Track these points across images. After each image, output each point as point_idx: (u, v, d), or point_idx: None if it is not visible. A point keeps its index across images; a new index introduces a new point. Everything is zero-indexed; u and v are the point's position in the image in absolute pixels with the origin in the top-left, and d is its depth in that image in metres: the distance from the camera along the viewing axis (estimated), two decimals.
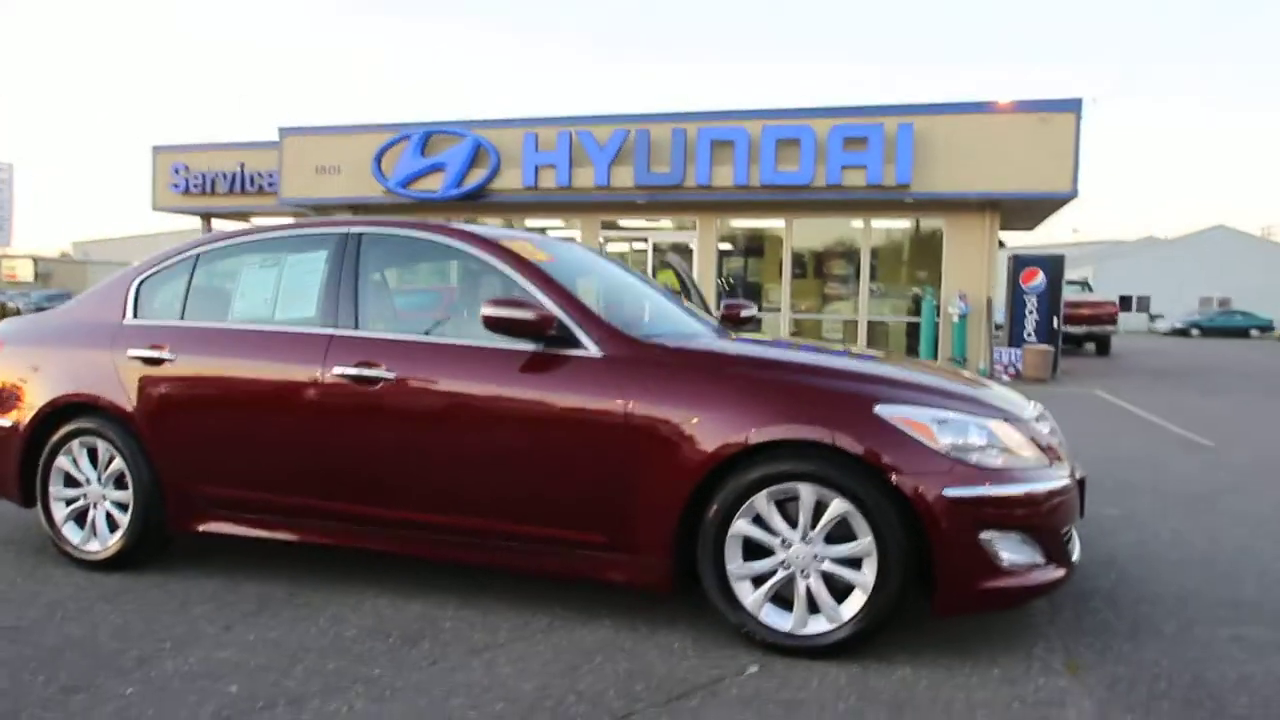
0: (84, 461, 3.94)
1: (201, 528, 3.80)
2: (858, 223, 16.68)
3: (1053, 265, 16.01)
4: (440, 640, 3.15)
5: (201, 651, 3.04)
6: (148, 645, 3.09)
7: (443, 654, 3.03)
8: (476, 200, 17.11)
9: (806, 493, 2.98)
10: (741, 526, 3.05)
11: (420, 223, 3.77)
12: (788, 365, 3.34)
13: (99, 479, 3.91)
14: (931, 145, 14.84)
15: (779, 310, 16.83)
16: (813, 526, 3.00)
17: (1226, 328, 42.16)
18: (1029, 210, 16.42)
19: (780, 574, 3.04)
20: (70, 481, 3.99)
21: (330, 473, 3.54)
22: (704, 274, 17.03)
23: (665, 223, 17.86)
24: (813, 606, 3.02)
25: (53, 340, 4.14)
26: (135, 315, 4.01)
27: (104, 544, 3.90)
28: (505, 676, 2.86)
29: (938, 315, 15.74)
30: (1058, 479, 3.10)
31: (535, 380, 3.29)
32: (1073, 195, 14.66)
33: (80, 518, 3.97)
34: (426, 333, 3.65)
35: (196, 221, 22.07)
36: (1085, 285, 26.37)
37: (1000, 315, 17.75)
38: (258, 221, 25.41)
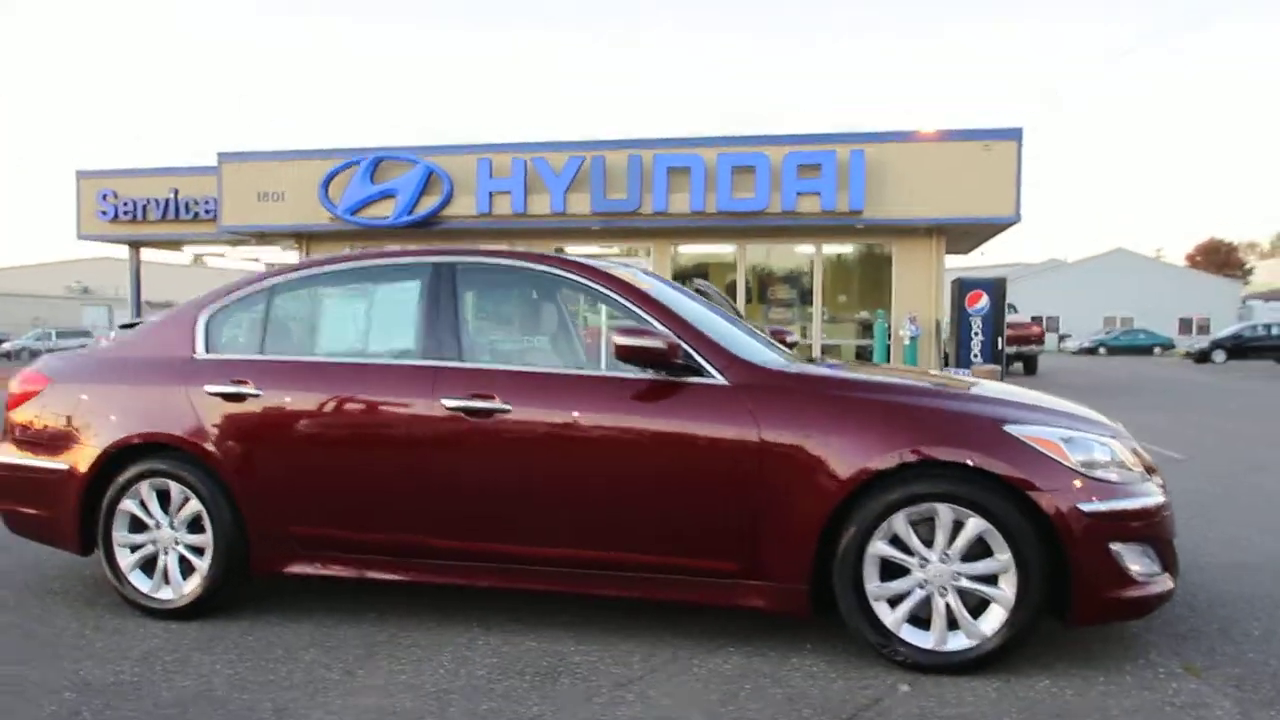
0: (154, 504, 3.76)
1: (289, 569, 3.67)
2: (809, 248, 17.09)
3: (996, 288, 16.70)
4: (578, 675, 3.11)
5: (339, 698, 2.93)
6: (276, 694, 2.96)
7: (590, 689, 2.99)
8: (429, 227, 16.93)
9: (945, 512, 3.06)
10: (879, 547, 3.11)
11: (520, 253, 3.75)
12: (912, 389, 3.44)
13: (170, 522, 3.74)
14: (883, 172, 15.36)
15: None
16: (949, 545, 3.08)
17: (1131, 346, 44.43)
18: (972, 234, 17.09)
19: (918, 593, 3.11)
20: (136, 526, 3.80)
21: (442, 508, 3.46)
22: None
23: (616, 250, 17.96)
24: (950, 624, 3.10)
25: (111, 378, 3.95)
26: (208, 350, 3.86)
27: (178, 591, 3.72)
28: (667, 708, 2.84)
29: (889, 338, 16.21)
30: (1161, 492, 3.26)
31: (662, 408, 3.30)
32: (1016, 220, 15.35)
33: (147, 564, 3.78)
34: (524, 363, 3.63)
35: (124, 250, 21.19)
36: (1011, 307, 27.48)
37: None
38: (194, 250, 24.54)
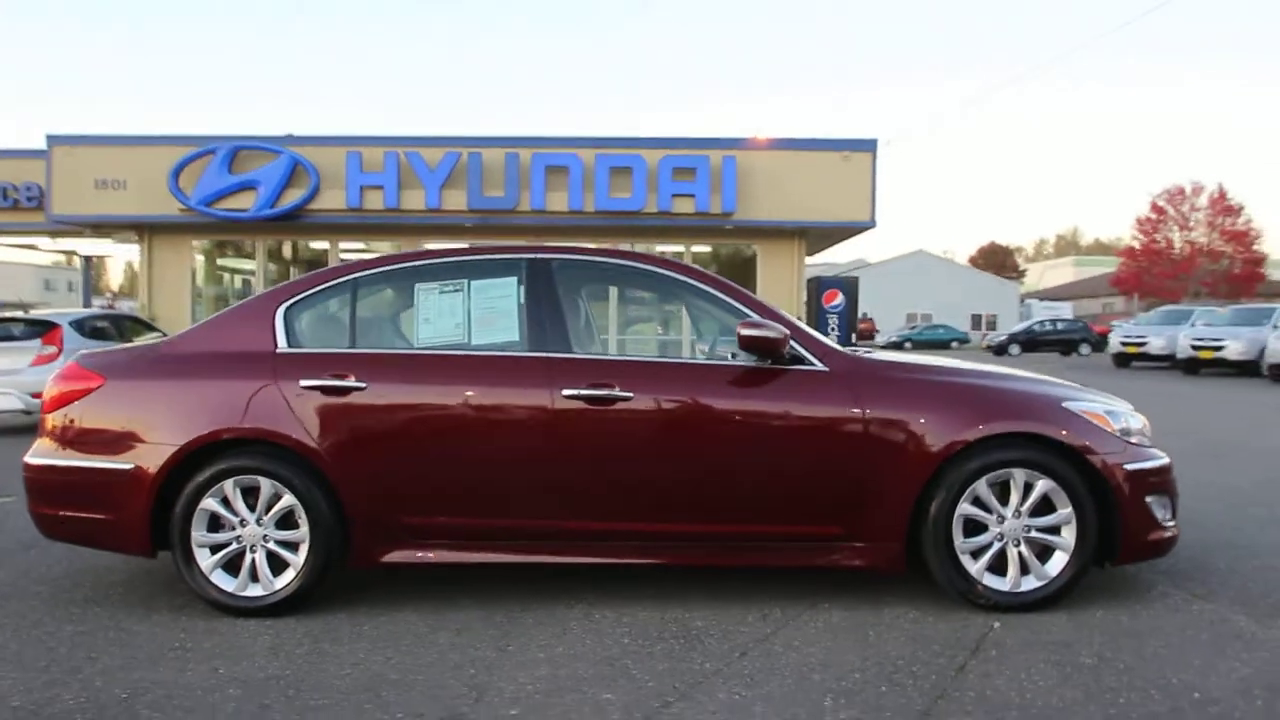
0: (239, 502, 3.68)
1: (388, 558, 3.71)
2: (679, 248, 17.74)
3: (849, 286, 18.00)
4: (719, 635, 3.40)
5: (515, 671, 3.08)
6: (452, 674, 3.07)
7: (736, 645, 3.29)
8: (293, 220, 16.21)
9: (1019, 475, 3.59)
10: (965, 508, 3.60)
11: (617, 250, 3.96)
12: (985, 374, 3.95)
13: (258, 519, 3.68)
14: (752, 177, 16.22)
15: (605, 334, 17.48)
16: (1022, 503, 3.61)
17: (933, 340, 48.59)
18: (830, 236, 18.31)
19: (996, 545, 3.63)
20: (214, 525, 3.71)
21: (567, 491, 3.63)
22: None
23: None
24: (1022, 569, 3.63)
25: (180, 374, 3.81)
26: (291, 344, 3.81)
27: (269, 588, 3.67)
28: (818, 654, 3.19)
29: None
30: (1166, 455, 3.94)
31: (772, 392, 3.64)
32: (872, 224, 16.65)
33: (229, 563, 3.71)
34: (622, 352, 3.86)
35: None
36: None
37: None
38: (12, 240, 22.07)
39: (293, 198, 15.95)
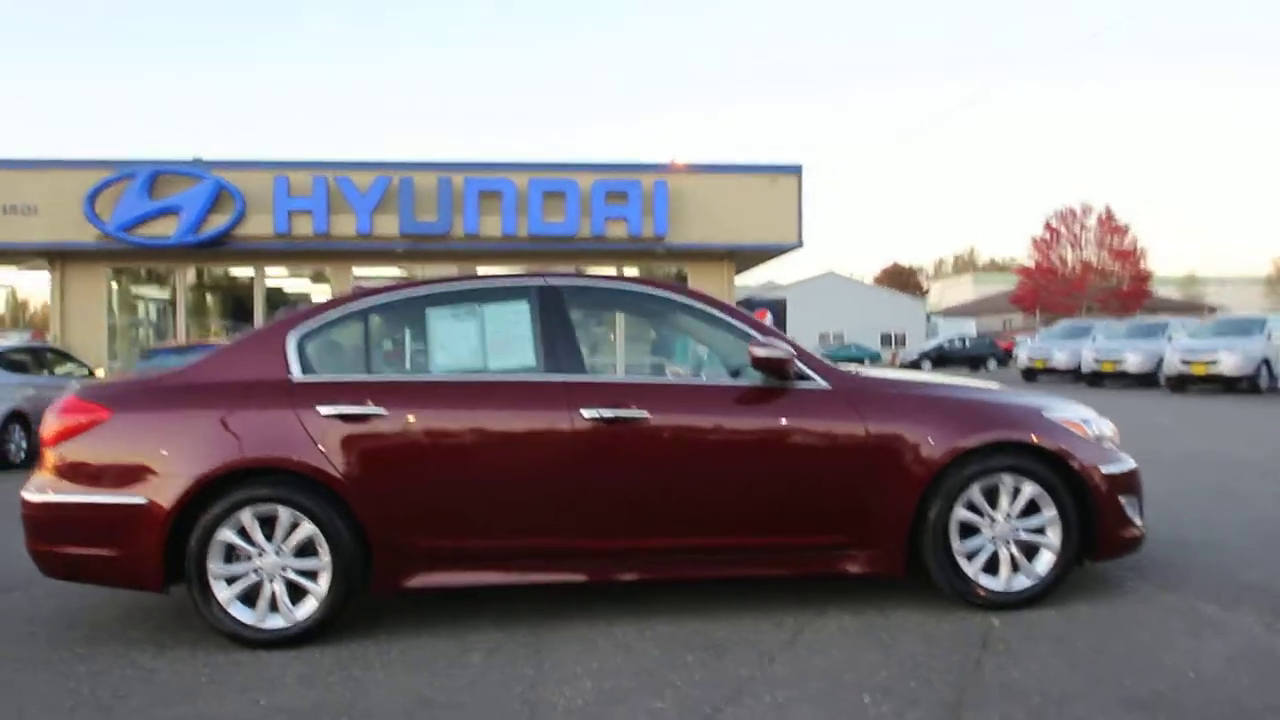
0: (257, 532, 3.67)
1: (411, 584, 3.75)
2: (609, 270, 17.93)
3: (778, 307, 18.51)
4: (743, 644, 3.55)
5: (587, 684, 3.17)
6: (503, 694, 3.14)
7: (763, 653, 3.45)
8: (218, 247, 15.80)
9: (1009, 480, 3.87)
10: (960, 513, 3.85)
11: (627, 277, 4.11)
12: (973, 389, 4.24)
13: (276, 549, 3.68)
14: (683, 201, 16.58)
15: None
16: (1011, 506, 3.89)
17: (846, 358, 49.99)
18: (759, 258, 18.78)
19: (989, 547, 3.89)
20: (230, 556, 3.69)
21: (587, 511, 3.74)
22: None
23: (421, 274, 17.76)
24: (1014, 568, 3.90)
25: (191, 404, 3.78)
26: (305, 371, 3.83)
27: (290, 618, 3.67)
28: (841, 657, 3.38)
29: (689, 355, 17.45)
30: (1133, 459, 4.28)
31: (781, 409, 3.84)
32: (799, 245, 17.18)
33: (245, 595, 3.69)
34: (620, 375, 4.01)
35: None
36: None
37: None
38: None
39: (217, 223, 15.55)
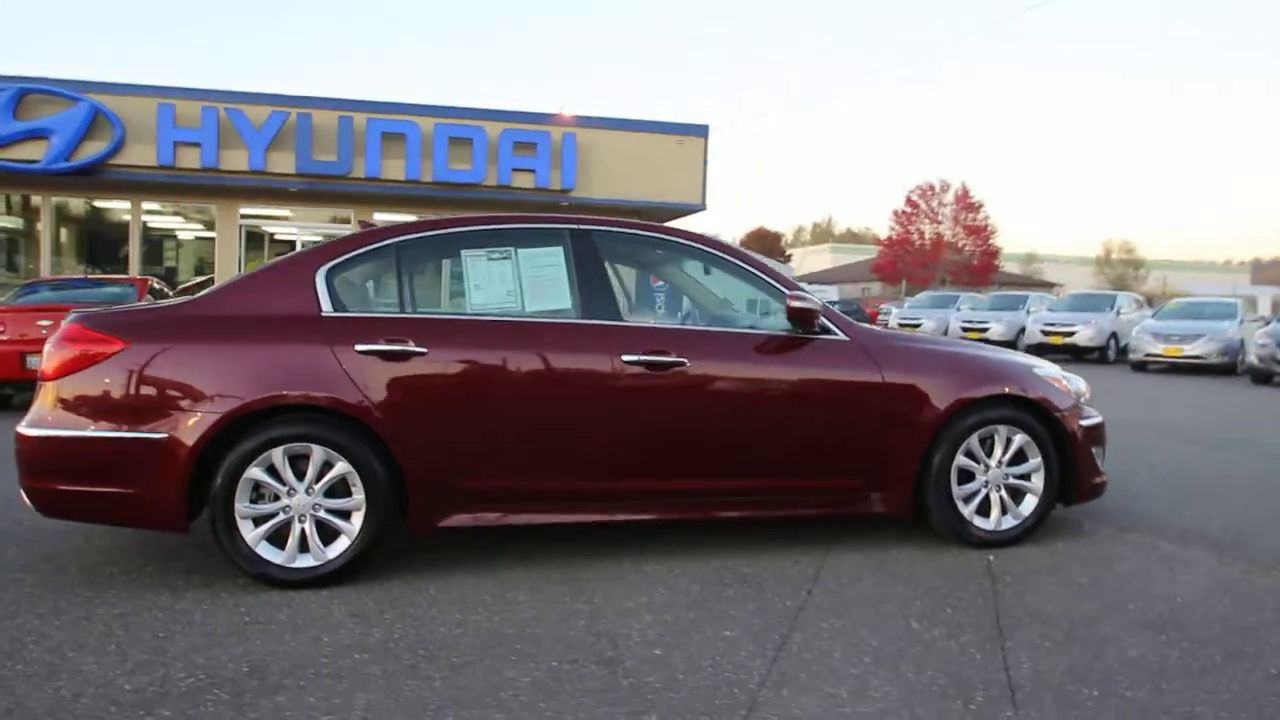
0: (288, 471, 3.57)
1: (445, 523, 3.74)
2: None
3: None
4: (773, 580, 3.74)
5: (648, 617, 3.27)
6: (572, 628, 3.21)
7: (795, 587, 3.65)
8: (91, 176, 14.61)
9: (1003, 430, 4.21)
10: (961, 460, 4.17)
11: (656, 226, 4.17)
12: (972, 345, 4.54)
13: (306, 488, 3.59)
14: (591, 155, 16.51)
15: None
16: (1003, 454, 4.23)
17: None
18: (662, 217, 18.92)
19: (983, 491, 4.22)
20: (257, 495, 3.58)
21: (625, 452, 3.82)
22: None
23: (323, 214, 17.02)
24: (1001, 511, 4.26)
25: (214, 338, 3.61)
26: (336, 308, 3.71)
27: (321, 558, 3.60)
28: (871, 588, 3.63)
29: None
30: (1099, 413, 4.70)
31: (808, 358, 4.02)
32: (702, 207, 17.45)
33: (274, 535, 3.59)
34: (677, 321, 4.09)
35: None
36: None
37: None
38: None
39: (92, 151, 14.34)
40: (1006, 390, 4.19)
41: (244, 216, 16.36)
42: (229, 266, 16.20)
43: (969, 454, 4.18)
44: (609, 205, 17.14)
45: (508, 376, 3.76)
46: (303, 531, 3.59)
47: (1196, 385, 14.14)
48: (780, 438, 3.99)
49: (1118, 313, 20.31)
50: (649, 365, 3.82)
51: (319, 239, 17.17)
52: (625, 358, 3.80)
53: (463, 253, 3.96)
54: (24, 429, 3.56)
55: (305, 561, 3.59)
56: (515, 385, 3.77)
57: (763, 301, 4.29)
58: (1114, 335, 19.58)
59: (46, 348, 3.64)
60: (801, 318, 3.97)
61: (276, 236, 17.61)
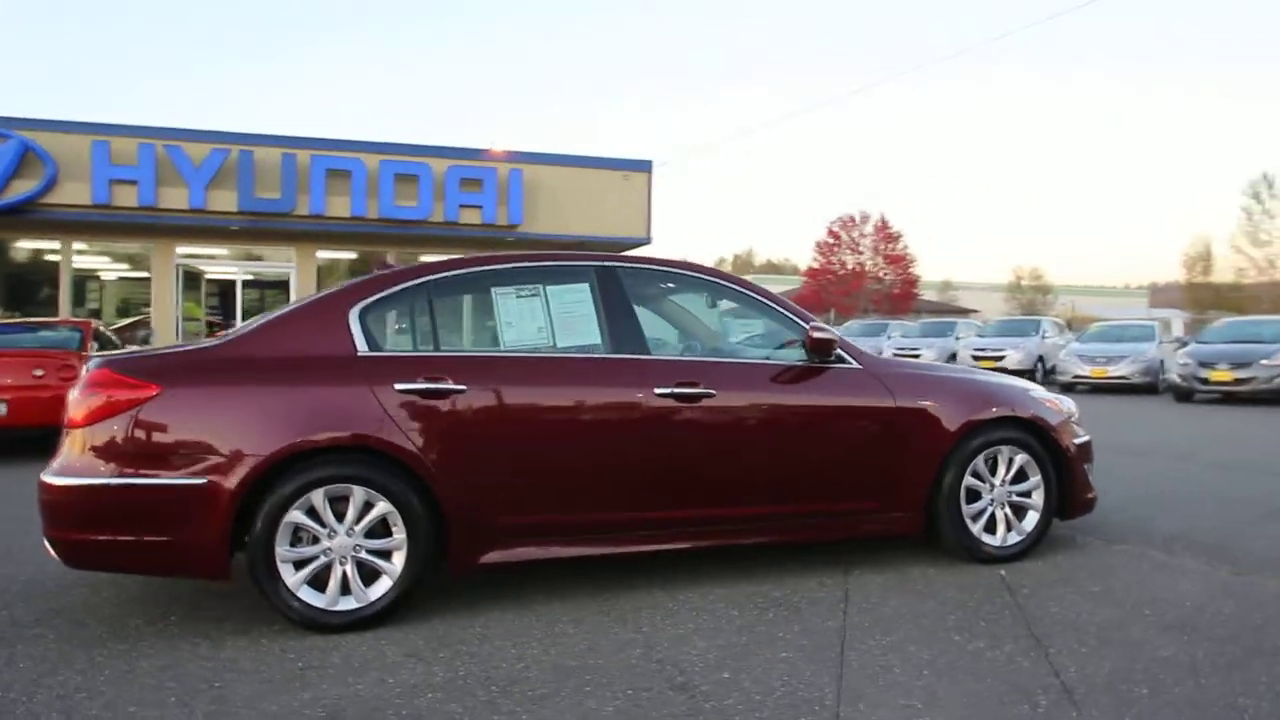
0: (328, 513, 3.55)
1: (486, 559, 3.76)
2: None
3: None
4: (806, 602, 3.86)
5: (702, 643, 3.34)
6: (630, 657, 3.27)
7: (829, 609, 3.77)
8: (21, 215, 14.07)
9: (1006, 450, 4.43)
10: (969, 480, 4.37)
11: (677, 261, 4.29)
12: (972, 372, 4.77)
13: (347, 529, 3.58)
14: (537, 191, 16.63)
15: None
16: (1006, 473, 4.45)
17: None
18: (612, 251, 19.08)
19: (989, 510, 4.43)
20: (296, 538, 3.55)
21: (659, 483, 3.90)
22: None
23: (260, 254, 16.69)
24: (1006, 527, 4.47)
25: (250, 380, 3.58)
26: (372, 347, 3.73)
27: (363, 599, 3.58)
28: (903, 606, 3.77)
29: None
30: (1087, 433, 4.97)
31: (826, 386, 4.18)
32: (648, 241, 17.69)
33: (314, 578, 3.56)
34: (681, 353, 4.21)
35: None
36: None
37: None
38: None
39: (22, 189, 13.83)
40: (1009, 413, 4.42)
41: (181, 256, 15.93)
42: (165, 307, 15.73)
43: (975, 474, 4.39)
44: (556, 240, 17.24)
45: (545, 412, 3.82)
46: (344, 574, 3.57)
47: (1125, 404, 14.87)
48: (805, 463, 4.14)
49: (1043, 337, 21.22)
50: (680, 397, 3.93)
51: (251, 276, 16.86)
52: (658, 390, 3.90)
53: (493, 290, 4.02)
54: (51, 478, 3.47)
55: (348, 604, 3.57)
56: (553, 420, 3.83)
57: (774, 332, 4.44)
58: (1041, 358, 20.43)
59: (73, 394, 3.56)
60: (822, 348, 4.13)
61: (209, 276, 17.19)
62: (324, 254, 16.83)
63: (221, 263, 16.89)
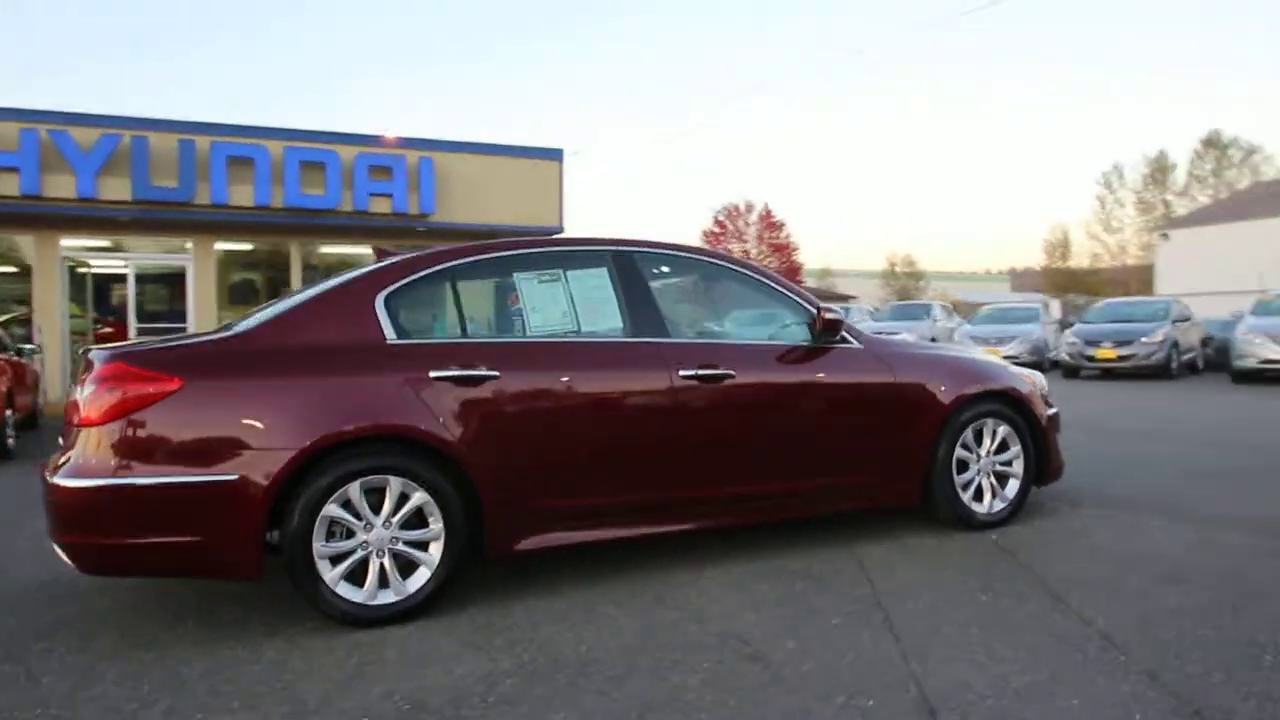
0: (364, 505, 3.48)
1: (522, 546, 3.75)
2: (365, 249, 17.12)
3: None
4: (827, 572, 4.01)
5: (751, 616, 3.43)
6: (691, 630, 3.33)
7: (856, 578, 3.94)
8: None
9: (990, 423, 4.71)
10: (959, 453, 4.62)
11: (691, 247, 4.37)
12: (946, 348, 5.03)
13: (384, 521, 3.51)
14: (450, 179, 16.30)
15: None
16: (991, 445, 4.73)
17: None
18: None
19: (976, 479, 4.70)
20: (330, 533, 3.46)
21: (680, 465, 3.97)
22: (203, 301, 15.64)
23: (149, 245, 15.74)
24: (991, 495, 4.75)
25: (276, 371, 3.46)
26: (400, 335, 3.65)
27: (402, 592, 3.52)
28: (918, 574, 3.97)
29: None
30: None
31: (834, 365, 4.35)
32: (560, 230, 17.58)
33: (350, 572, 3.48)
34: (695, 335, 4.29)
35: None
36: None
37: None
38: None
39: None
40: (994, 386, 4.70)
41: (67, 248, 14.85)
42: (50, 304, 14.66)
43: (964, 445, 4.65)
44: (469, 229, 16.96)
45: (577, 397, 3.83)
46: (381, 566, 3.50)
47: None
48: (821, 439, 4.30)
49: (934, 320, 22.29)
50: (702, 379, 4.01)
51: (144, 270, 15.87)
52: (681, 373, 3.97)
53: (515, 276, 4.00)
54: (64, 480, 3.27)
55: (386, 598, 3.51)
56: (583, 405, 3.84)
57: (776, 314, 4.56)
58: (933, 340, 21.44)
59: (83, 391, 3.36)
60: (832, 328, 4.29)
61: (97, 270, 16.10)
62: (223, 245, 16.01)
63: (110, 255, 15.82)
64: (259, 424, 3.36)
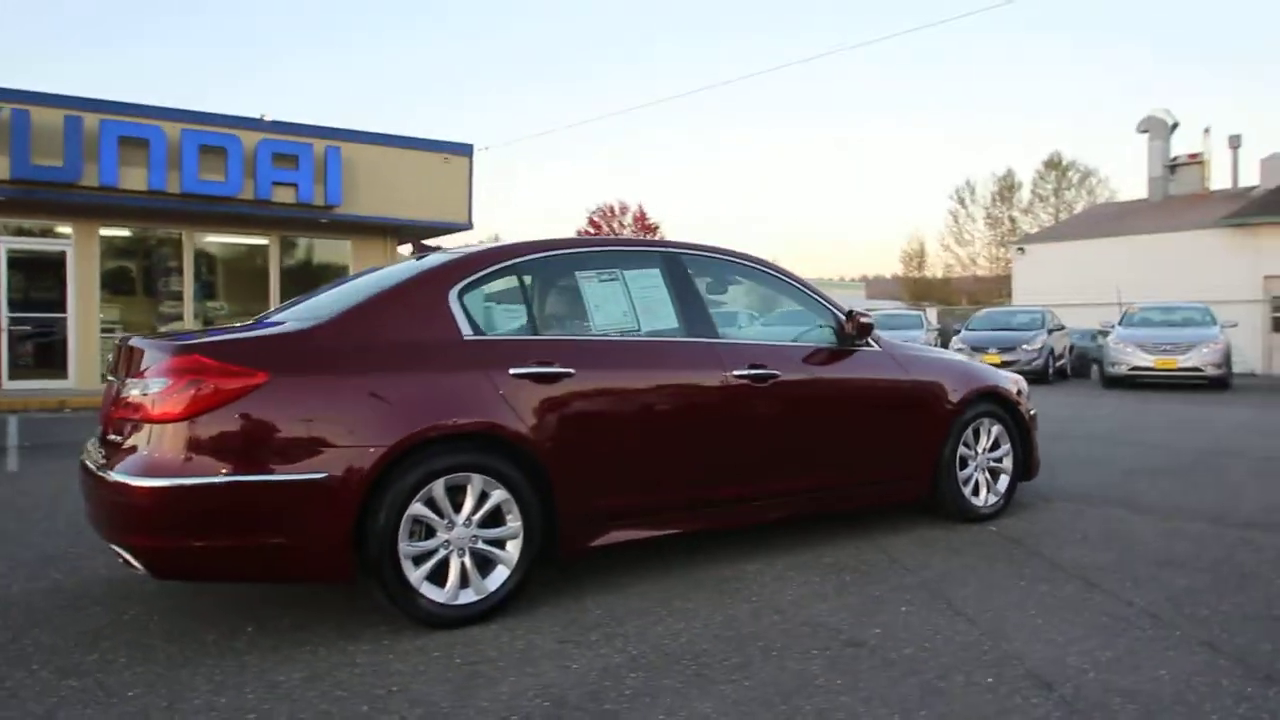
0: (446, 503, 3.44)
1: (594, 543, 3.79)
2: (264, 240, 16.39)
3: None
4: (862, 565, 4.23)
5: (822, 605, 3.59)
6: (777, 621, 3.46)
7: (892, 566, 4.18)
8: None
9: (986, 422, 5.07)
10: (961, 449, 4.96)
11: (729, 250, 4.48)
12: (943, 352, 5.35)
13: (465, 520, 3.48)
14: (357, 171, 15.82)
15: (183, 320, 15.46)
16: (987, 442, 5.09)
17: None
18: (427, 235, 18.42)
19: (974, 475, 5.05)
20: (412, 532, 3.41)
21: (733, 462, 4.10)
22: (85, 290, 14.59)
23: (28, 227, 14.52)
24: (986, 489, 5.11)
25: (358, 368, 3.37)
26: (475, 331, 3.62)
27: (483, 590, 3.50)
28: (952, 564, 4.25)
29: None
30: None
31: (860, 366, 4.59)
32: (469, 226, 17.36)
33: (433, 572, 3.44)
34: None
35: None
36: None
37: None
38: None
39: None
40: (991, 387, 5.06)
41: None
42: None
43: (964, 443, 4.99)
44: (376, 222, 16.50)
45: (645, 394, 3.91)
46: (461, 566, 3.47)
47: None
48: (858, 436, 4.55)
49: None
50: (754, 379, 4.16)
51: (16, 254, 14.58)
52: (735, 373, 4.10)
53: (576, 274, 4.03)
54: (134, 480, 3.09)
55: (468, 597, 3.48)
56: (652, 402, 3.92)
57: (803, 316, 4.76)
58: None
59: (153, 384, 3.17)
60: (864, 331, 4.53)
61: None
62: (109, 231, 14.93)
63: None
64: (346, 420, 3.27)
